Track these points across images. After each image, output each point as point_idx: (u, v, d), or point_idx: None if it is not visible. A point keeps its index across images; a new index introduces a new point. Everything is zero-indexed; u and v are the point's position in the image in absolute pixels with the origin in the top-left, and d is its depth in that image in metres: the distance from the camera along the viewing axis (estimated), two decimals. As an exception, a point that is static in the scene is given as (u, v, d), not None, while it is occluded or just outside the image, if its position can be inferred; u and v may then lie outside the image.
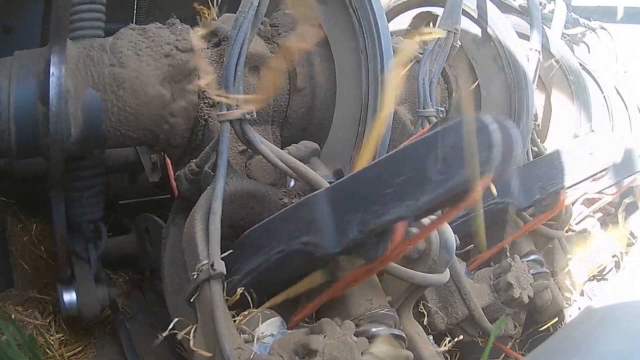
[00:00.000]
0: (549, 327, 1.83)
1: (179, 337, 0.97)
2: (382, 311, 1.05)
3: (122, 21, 1.47)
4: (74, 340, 1.66)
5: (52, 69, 1.16)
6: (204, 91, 1.33)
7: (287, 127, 1.51)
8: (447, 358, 1.16)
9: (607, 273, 2.15)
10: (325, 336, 0.88)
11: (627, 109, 2.63)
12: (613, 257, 2.18)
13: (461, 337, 1.15)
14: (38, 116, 1.19)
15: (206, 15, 1.43)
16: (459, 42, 1.75)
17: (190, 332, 0.97)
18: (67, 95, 1.19)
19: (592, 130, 2.29)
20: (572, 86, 2.28)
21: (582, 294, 2.03)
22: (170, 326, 0.96)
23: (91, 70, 1.24)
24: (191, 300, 1.00)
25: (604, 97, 2.58)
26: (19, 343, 1.45)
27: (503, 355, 1.68)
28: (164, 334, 0.96)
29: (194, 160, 1.23)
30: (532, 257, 1.76)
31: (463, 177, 0.74)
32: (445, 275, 1.12)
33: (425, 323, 1.43)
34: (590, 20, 3.06)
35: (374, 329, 1.00)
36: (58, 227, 1.40)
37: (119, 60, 1.25)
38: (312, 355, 0.86)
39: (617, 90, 2.63)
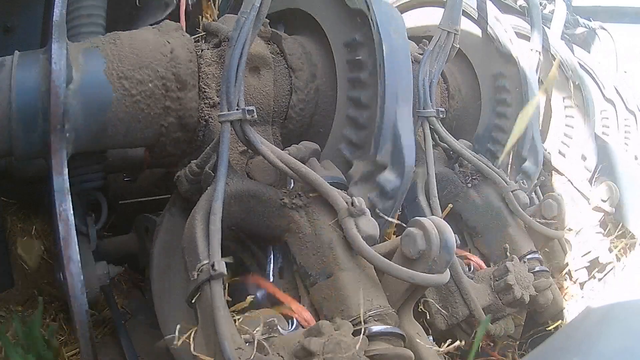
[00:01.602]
0: (550, 328, 1.83)
1: (179, 342, 0.96)
2: (382, 311, 1.05)
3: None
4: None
5: (54, 15, 1.18)
6: (205, 92, 1.33)
7: (297, 90, 1.49)
8: (447, 358, 1.15)
9: (607, 273, 2.15)
10: (323, 338, 0.88)
11: (627, 109, 2.64)
12: (613, 256, 2.18)
13: (463, 342, 1.14)
14: (40, 62, 1.20)
15: (207, 15, 1.43)
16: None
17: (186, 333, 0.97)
18: (68, 45, 1.20)
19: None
20: (572, 86, 2.28)
21: (582, 294, 2.02)
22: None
23: (88, 40, 1.29)
24: (192, 301, 1.00)
25: (604, 97, 2.59)
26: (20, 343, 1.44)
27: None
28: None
29: (195, 160, 1.23)
30: (532, 256, 1.76)
31: None
32: (446, 276, 1.12)
33: (425, 323, 1.44)
34: (590, 20, 3.07)
35: (374, 328, 1.01)
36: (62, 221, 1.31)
37: (113, 34, 1.31)
38: (311, 357, 0.86)
39: (617, 90, 2.63)
